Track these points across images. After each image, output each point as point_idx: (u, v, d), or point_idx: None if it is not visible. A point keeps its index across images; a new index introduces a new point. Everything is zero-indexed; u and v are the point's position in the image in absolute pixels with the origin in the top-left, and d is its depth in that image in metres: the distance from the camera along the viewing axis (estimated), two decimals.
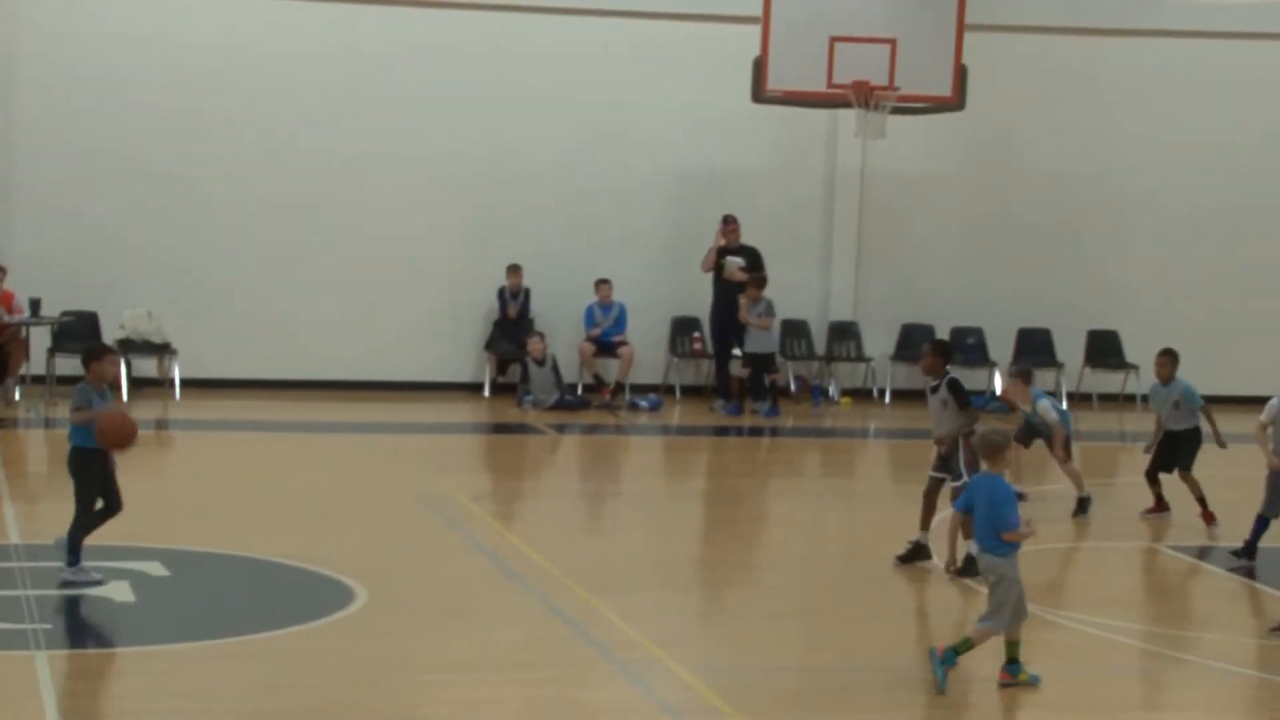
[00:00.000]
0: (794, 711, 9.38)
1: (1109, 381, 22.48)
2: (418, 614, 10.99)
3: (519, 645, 10.38)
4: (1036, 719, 9.62)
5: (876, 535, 14.31)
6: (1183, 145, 22.65)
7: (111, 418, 11.16)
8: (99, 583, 11.16)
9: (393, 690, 9.44)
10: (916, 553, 12.59)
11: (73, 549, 11.22)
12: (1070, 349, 22.46)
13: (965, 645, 9.74)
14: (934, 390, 12.47)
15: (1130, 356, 22.42)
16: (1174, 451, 14.40)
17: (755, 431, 20.13)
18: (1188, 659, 10.66)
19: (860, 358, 22.39)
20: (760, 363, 20.79)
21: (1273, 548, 13.75)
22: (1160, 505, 14.59)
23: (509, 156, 21.74)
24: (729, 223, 21.04)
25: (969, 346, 22.24)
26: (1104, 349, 22.53)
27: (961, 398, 12.28)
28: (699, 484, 17.38)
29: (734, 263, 20.86)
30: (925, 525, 12.57)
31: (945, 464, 12.38)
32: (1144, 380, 22.12)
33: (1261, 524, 12.71)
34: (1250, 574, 12.69)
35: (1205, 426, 14.46)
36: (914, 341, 22.47)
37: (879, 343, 22.44)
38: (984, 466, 10.01)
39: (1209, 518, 14.24)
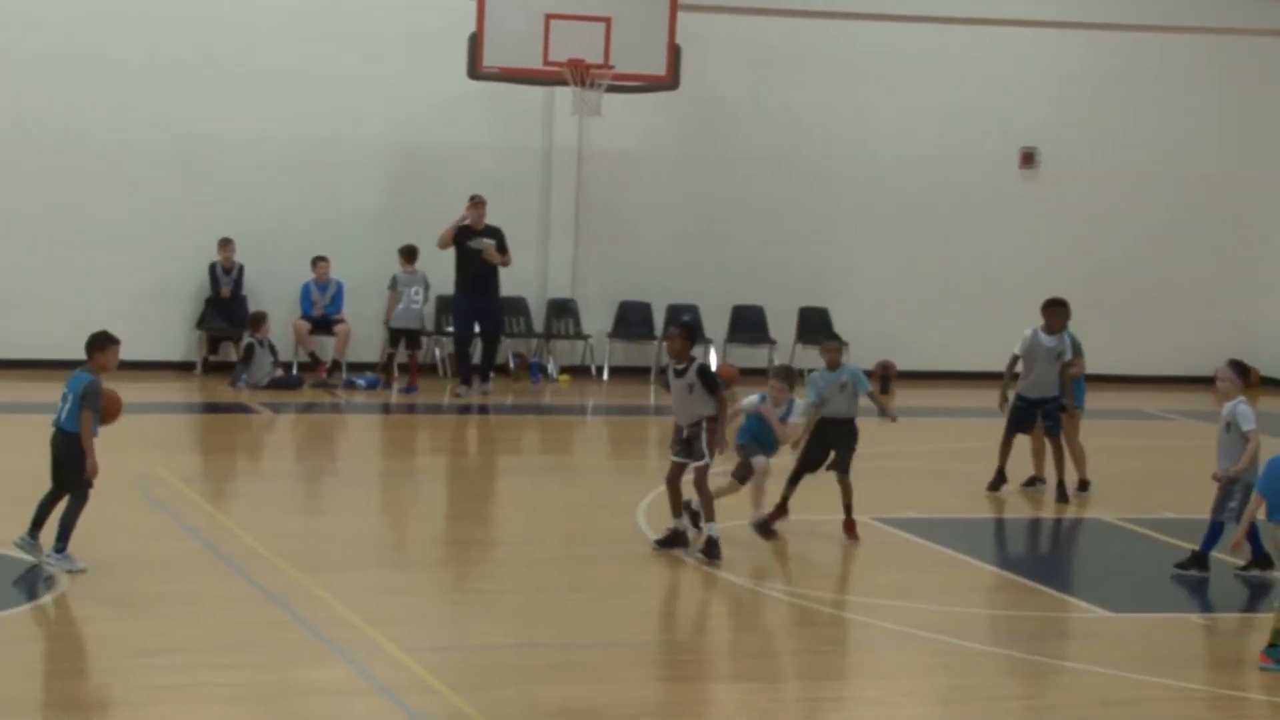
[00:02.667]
0: (512, 688, 9.37)
1: (820, 358, 22.93)
2: (122, 598, 10.67)
3: (229, 627, 10.16)
4: (748, 689, 9.78)
5: (595, 512, 14.41)
6: (887, 127, 23.20)
7: (110, 397, 11.31)
8: (83, 570, 11.04)
9: (94, 677, 9.16)
10: (674, 539, 12.45)
11: (64, 535, 11.09)
12: (783, 326, 22.88)
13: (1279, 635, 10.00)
14: (679, 374, 12.25)
15: (839, 332, 22.92)
16: (828, 443, 13.25)
17: (473, 410, 20.05)
18: (889, 627, 10.95)
19: (578, 335, 22.47)
20: (404, 338, 20.71)
21: (962, 519, 14.21)
22: (782, 510, 13.30)
23: (216, 130, 21.22)
24: (476, 202, 20.62)
25: (685, 323, 22.45)
26: (815, 326, 23.00)
27: (710, 383, 12.16)
28: (416, 462, 17.24)
29: (487, 243, 20.52)
30: (677, 512, 12.42)
31: (688, 448, 12.24)
32: (853, 355, 22.71)
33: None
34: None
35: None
36: (631, 318, 22.66)
37: (597, 320, 22.55)
38: None
39: (851, 528, 13.18)
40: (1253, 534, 12.38)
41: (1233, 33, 23.92)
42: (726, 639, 11.02)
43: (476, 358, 20.87)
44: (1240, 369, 12.67)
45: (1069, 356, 15.13)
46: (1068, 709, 9.61)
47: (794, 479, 13.29)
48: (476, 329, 20.73)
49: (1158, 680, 9.96)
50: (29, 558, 11.18)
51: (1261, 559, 12.42)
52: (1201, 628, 11.28)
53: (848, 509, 13.13)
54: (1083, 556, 14.13)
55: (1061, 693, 9.91)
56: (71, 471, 11.20)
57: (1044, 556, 13.80)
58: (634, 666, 9.91)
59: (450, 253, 20.74)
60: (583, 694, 9.32)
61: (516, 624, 10.88)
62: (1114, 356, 23.42)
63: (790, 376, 13.15)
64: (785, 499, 13.28)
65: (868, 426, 13.65)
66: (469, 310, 20.61)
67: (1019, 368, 15.22)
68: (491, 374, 20.76)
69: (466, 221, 20.57)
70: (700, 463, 12.17)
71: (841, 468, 13.15)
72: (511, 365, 22.05)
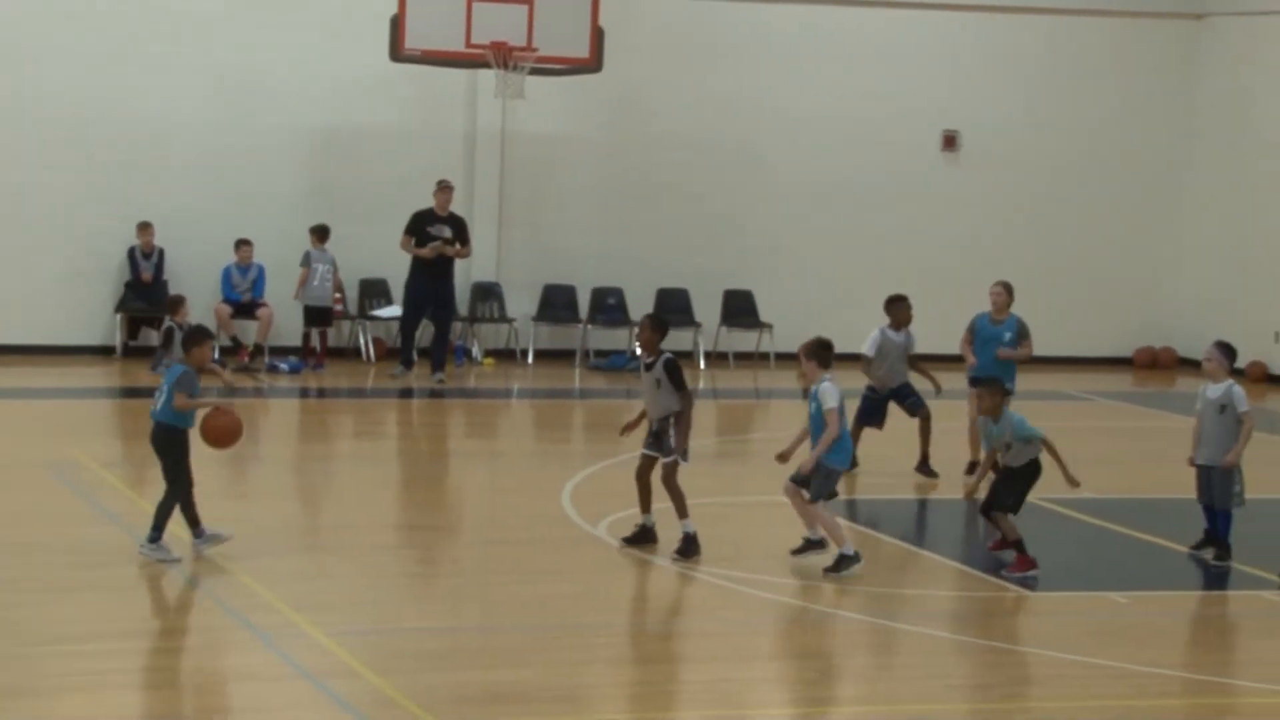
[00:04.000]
0: (437, 672, 9.36)
1: (744, 340, 23.02)
2: (41, 584, 10.56)
3: (151, 613, 10.10)
4: (672, 671, 9.81)
5: (520, 496, 14.39)
6: (811, 110, 23.23)
7: (225, 420, 11.36)
8: (177, 560, 11.10)
9: (13, 664, 9.05)
10: (643, 536, 12.15)
11: (158, 525, 11.14)
12: (707, 309, 22.91)
13: None
14: (648, 368, 11.92)
15: (764, 316, 23.00)
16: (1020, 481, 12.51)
17: (398, 394, 19.96)
18: (812, 607, 11.02)
19: (503, 318, 22.41)
20: (316, 316, 20.79)
21: (883, 499, 14.30)
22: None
23: (137, 111, 21.00)
24: (443, 187, 20.47)
25: (610, 307, 22.49)
26: (739, 309, 23.05)
27: (677, 379, 11.86)
28: (340, 447, 17.15)
29: (436, 246, 20.39)
30: (646, 508, 12.11)
31: (658, 442, 11.95)
32: (777, 339, 22.79)
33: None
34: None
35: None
36: (556, 301, 22.63)
37: (521, 303, 22.50)
38: None
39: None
40: (1210, 518, 12.54)
41: (1149, 16, 24.16)
42: (653, 622, 11.05)
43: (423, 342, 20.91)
44: (1227, 350, 12.57)
45: (914, 349, 15.33)
46: (989, 687, 9.70)
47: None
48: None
49: (1078, 658, 10.07)
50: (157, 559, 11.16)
51: (1212, 540, 12.54)
52: (1121, 606, 11.41)
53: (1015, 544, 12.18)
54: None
55: (983, 671, 9.99)
56: (166, 462, 11.26)
57: (964, 536, 13.90)
58: (561, 650, 9.91)
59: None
60: (509, 678, 9.31)
61: (442, 608, 10.86)
62: (1034, 338, 23.58)
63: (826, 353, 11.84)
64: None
65: (786, 407, 13.72)
66: (423, 294, 20.46)
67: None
68: (445, 362, 20.63)
69: (430, 206, 20.49)
70: (669, 459, 11.87)
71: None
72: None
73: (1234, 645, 10.84)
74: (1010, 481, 12.20)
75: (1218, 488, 12.38)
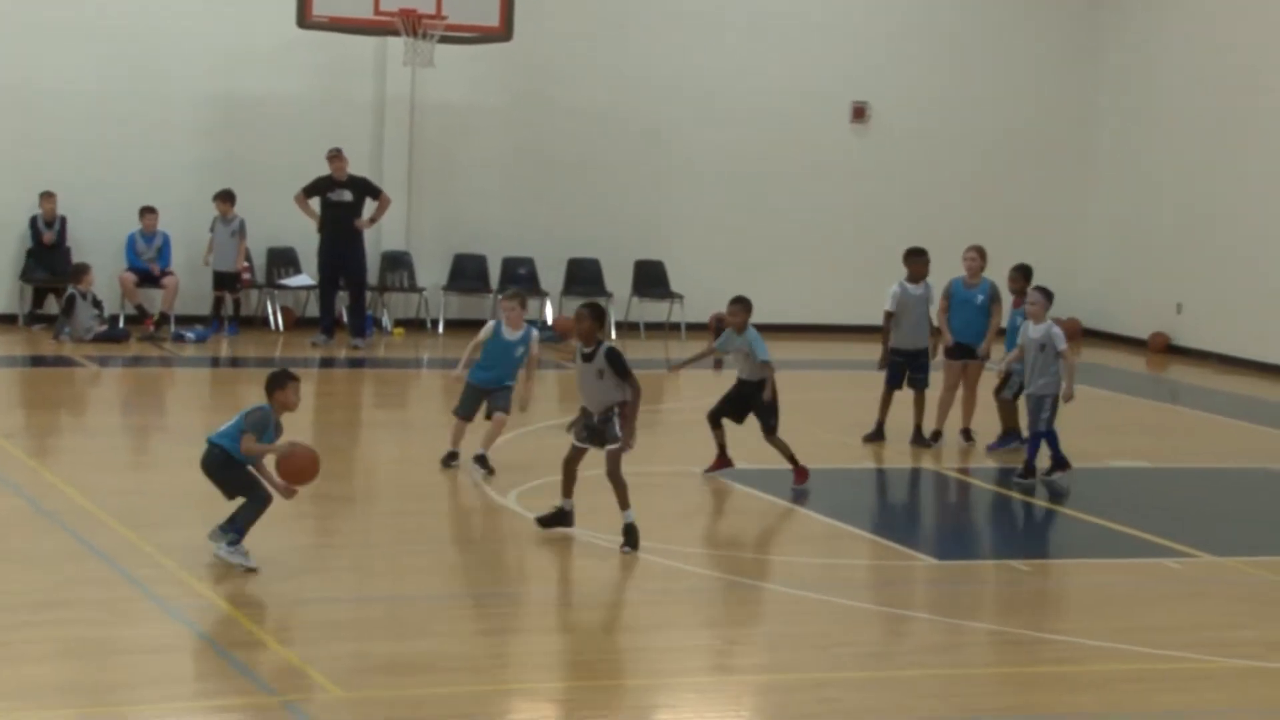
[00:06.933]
0: (342, 641, 9.33)
1: (655, 310, 23.06)
2: None
3: (53, 585, 9.99)
4: (578, 641, 9.83)
5: (428, 466, 14.35)
6: (721, 81, 23.27)
7: (300, 458, 10.63)
8: (255, 569, 10.45)
9: None
10: (558, 518, 11.74)
11: (240, 529, 10.54)
12: (618, 279, 22.92)
13: None
14: (588, 358, 11.38)
15: (675, 286, 23.05)
16: (744, 402, 13.73)
17: (306, 364, 19.83)
18: (720, 576, 11.07)
19: (413, 288, 22.33)
20: (223, 281, 20.79)
21: (791, 468, 14.34)
22: (723, 460, 13.85)
23: (37, 79, 20.72)
24: (333, 156, 20.44)
25: (520, 277, 22.45)
26: (650, 279, 23.09)
27: (621, 367, 11.31)
28: None
29: (342, 198, 20.38)
30: (568, 492, 11.66)
31: (595, 434, 11.41)
32: (688, 309, 22.85)
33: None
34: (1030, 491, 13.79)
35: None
36: (466, 271, 22.56)
37: (431, 273, 22.42)
38: None
39: (801, 475, 13.62)
40: (1053, 438, 13.73)
41: None
42: (558, 591, 11.06)
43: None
44: (1047, 293, 14.00)
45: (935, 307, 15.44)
46: (893, 655, 9.80)
47: (715, 425, 13.81)
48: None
49: (981, 625, 10.19)
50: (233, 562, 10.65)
51: (1060, 464, 13.78)
52: (1024, 573, 11.55)
53: (789, 460, 13.67)
54: (909, 505, 14.39)
55: (888, 639, 10.09)
56: (227, 481, 10.71)
57: (871, 506, 14.01)
58: (465, 620, 9.91)
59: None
60: (414, 648, 9.30)
61: (348, 578, 10.82)
62: None
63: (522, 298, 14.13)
64: (721, 447, 13.85)
65: (696, 376, 13.74)
66: (333, 259, 20.51)
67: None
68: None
69: (331, 174, 20.48)
70: (615, 446, 11.39)
71: (766, 430, 13.65)
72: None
73: (1132, 613, 10.99)
74: (752, 400, 13.54)
75: (1031, 413, 13.91)
